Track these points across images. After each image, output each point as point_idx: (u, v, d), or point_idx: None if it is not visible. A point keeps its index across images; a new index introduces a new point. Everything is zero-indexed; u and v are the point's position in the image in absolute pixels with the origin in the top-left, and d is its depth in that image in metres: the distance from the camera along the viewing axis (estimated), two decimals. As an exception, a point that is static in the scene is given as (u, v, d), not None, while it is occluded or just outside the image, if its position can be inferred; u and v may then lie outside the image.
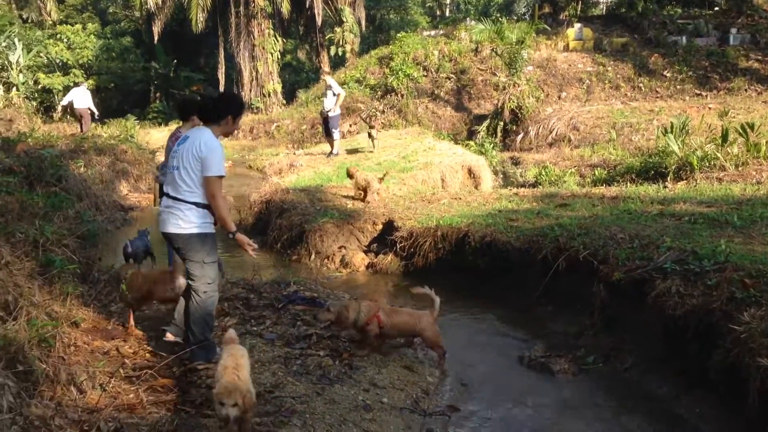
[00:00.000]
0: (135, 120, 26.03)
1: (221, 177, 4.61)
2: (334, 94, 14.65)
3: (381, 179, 10.56)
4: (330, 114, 14.72)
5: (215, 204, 4.59)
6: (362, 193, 10.46)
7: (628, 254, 6.17)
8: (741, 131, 11.60)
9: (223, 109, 4.70)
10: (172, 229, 4.65)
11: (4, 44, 26.19)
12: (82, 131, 18.36)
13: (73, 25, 33.19)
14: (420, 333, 5.61)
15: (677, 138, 12.21)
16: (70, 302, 5.26)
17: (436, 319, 5.71)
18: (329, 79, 15.37)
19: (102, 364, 4.42)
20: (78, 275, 6.21)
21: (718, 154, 11.41)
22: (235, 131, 4.84)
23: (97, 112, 19.92)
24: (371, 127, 15.53)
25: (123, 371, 4.44)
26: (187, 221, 4.60)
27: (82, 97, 19.16)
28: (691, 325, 5.03)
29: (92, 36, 32.94)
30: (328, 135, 15.23)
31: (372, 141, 14.83)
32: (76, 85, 21.16)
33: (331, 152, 15.24)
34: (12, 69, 26.56)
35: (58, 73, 30.14)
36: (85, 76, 30.96)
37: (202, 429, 3.79)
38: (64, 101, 19.96)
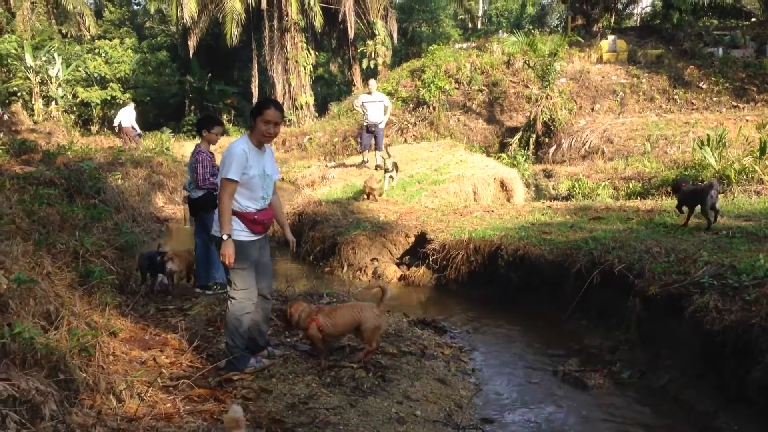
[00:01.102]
0: (170, 133, 26.46)
1: (230, 180, 4.61)
2: (385, 106, 14.51)
3: (379, 181, 12.20)
4: (380, 126, 14.51)
5: (219, 206, 4.67)
6: (366, 196, 11.85)
7: (665, 268, 6.10)
8: (780, 144, 11.41)
9: (252, 114, 4.79)
10: (212, 231, 4.92)
11: (44, 59, 26.87)
12: (130, 147, 19.54)
13: (111, 40, 33.86)
14: (360, 324, 5.32)
15: (714, 150, 12.05)
16: (109, 312, 5.37)
17: (382, 312, 5.52)
18: (378, 92, 15.01)
19: (140, 373, 4.49)
20: (116, 286, 6.34)
21: (756, 167, 11.22)
22: (267, 133, 4.73)
23: (138, 129, 21.39)
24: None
25: (160, 381, 4.51)
26: (216, 225, 4.78)
27: (127, 116, 20.93)
28: (729, 341, 4.95)
29: (129, 50, 33.55)
30: (374, 147, 14.78)
31: (388, 179, 12.58)
32: (124, 104, 22.39)
33: (378, 164, 14.63)
34: (51, 83, 27.23)
35: (96, 87, 30.72)
36: (122, 89, 31.51)
37: (238, 439, 3.82)
38: (115, 121, 21.55)
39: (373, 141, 14.73)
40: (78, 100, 29.69)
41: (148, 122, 31.41)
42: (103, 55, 31.88)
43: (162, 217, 13.73)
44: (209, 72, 34.26)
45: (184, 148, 24.08)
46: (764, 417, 4.57)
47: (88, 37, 34.76)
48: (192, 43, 30.43)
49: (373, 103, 14.42)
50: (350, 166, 16.61)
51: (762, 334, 4.66)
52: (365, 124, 14.64)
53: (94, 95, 30.27)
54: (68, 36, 35.21)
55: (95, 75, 30.79)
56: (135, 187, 13.77)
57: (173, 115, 34.53)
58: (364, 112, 14.51)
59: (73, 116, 28.82)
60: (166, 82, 34.23)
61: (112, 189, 11.67)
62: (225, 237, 4.62)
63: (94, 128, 29.89)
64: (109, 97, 30.49)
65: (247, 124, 7.21)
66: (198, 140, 7.59)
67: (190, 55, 31.51)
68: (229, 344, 4.91)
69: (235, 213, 4.70)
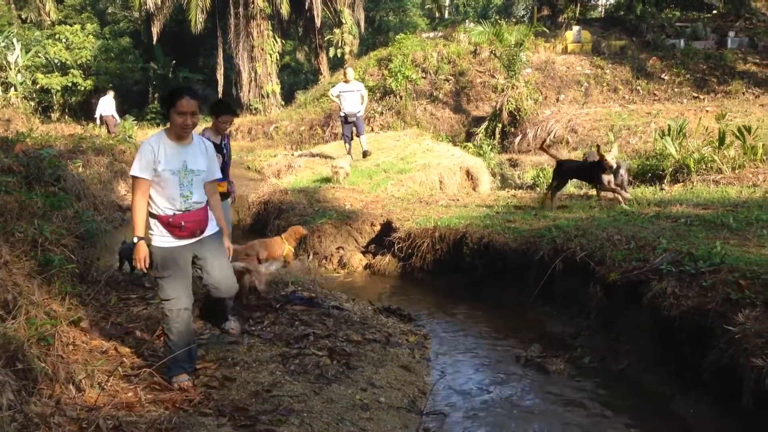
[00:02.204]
0: (133, 120, 26.05)
1: (135, 178, 4.24)
2: (362, 95, 14.08)
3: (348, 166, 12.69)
4: (359, 115, 14.06)
5: (131, 206, 4.33)
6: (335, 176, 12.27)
7: (625, 256, 6.21)
8: (738, 134, 11.63)
9: (164, 105, 4.35)
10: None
11: (2, 44, 26.29)
12: (113, 135, 19.83)
13: (71, 26, 33.18)
14: None
15: (674, 141, 12.24)
16: (69, 301, 5.28)
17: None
18: (356, 81, 14.57)
19: (101, 362, 4.44)
20: (76, 275, 6.23)
21: (715, 157, 11.44)
22: (183, 125, 4.26)
23: (118, 119, 21.99)
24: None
25: (121, 370, 4.46)
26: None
27: (106, 105, 21.40)
28: (687, 326, 5.06)
29: (91, 36, 32.91)
30: (353, 137, 14.42)
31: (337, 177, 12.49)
32: (105, 94, 22.62)
33: (365, 150, 14.47)
34: (10, 69, 26.63)
35: (56, 73, 30.12)
36: (83, 76, 30.95)
37: (200, 427, 3.81)
38: (97, 112, 22.01)
39: (354, 130, 14.26)
40: (38, 86, 29.12)
41: (110, 110, 30.88)
42: (64, 40, 31.27)
43: (124, 206, 13.52)
44: (173, 59, 33.83)
45: (148, 135, 23.71)
46: (719, 400, 4.69)
47: (48, 23, 34.06)
48: (155, 30, 29.99)
49: (351, 93, 13.95)
50: (317, 155, 16.53)
51: (717, 319, 4.78)
52: (342, 114, 14.14)
53: (55, 82, 29.70)
54: (28, 21, 34.46)
55: (56, 61, 30.19)
56: (97, 175, 13.52)
57: (136, 103, 34.06)
58: (340, 101, 13.99)
59: (32, 103, 28.21)
60: (128, 69, 33.69)
61: (72, 177, 11.43)
62: (135, 239, 4.28)
63: (54, 115, 29.33)
64: (70, 84, 29.94)
65: (212, 113, 6.94)
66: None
67: (154, 42, 31.06)
68: (168, 345, 4.53)
69: (153, 215, 4.32)
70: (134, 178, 4.25)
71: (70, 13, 36.79)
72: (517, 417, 4.98)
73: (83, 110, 32.23)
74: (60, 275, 5.56)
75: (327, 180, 12.56)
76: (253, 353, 5.17)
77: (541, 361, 5.83)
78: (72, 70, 30.63)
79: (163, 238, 4.34)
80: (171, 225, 4.30)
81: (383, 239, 9.33)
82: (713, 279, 5.18)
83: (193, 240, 4.44)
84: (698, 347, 4.91)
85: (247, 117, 28.15)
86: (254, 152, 22.03)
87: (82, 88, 31.43)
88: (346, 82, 14.11)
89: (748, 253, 5.74)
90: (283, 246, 7.74)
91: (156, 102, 33.74)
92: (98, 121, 21.84)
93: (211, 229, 4.56)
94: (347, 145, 14.69)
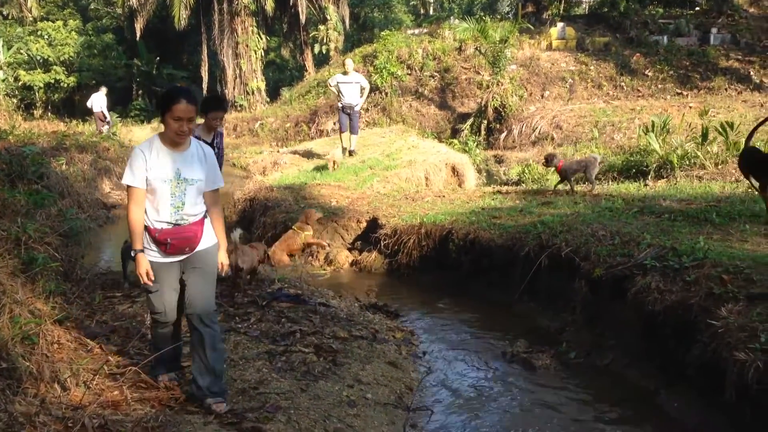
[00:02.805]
0: (117, 117, 25.90)
1: (129, 187, 3.94)
2: (362, 87, 13.73)
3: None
4: (356, 108, 13.72)
5: (128, 217, 4.00)
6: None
7: (609, 251, 6.26)
8: (721, 130, 11.74)
9: (160, 109, 4.02)
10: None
11: (-17, 41, 25.99)
12: (99, 132, 20.12)
13: (54, 22, 32.91)
14: None
15: (658, 137, 12.33)
16: (53, 300, 5.23)
17: None
18: (355, 73, 14.18)
19: (86, 361, 4.41)
20: (61, 273, 6.19)
21: (698, 153, 11.55)
22: (179, 132, 3.94)
23: (107, 116, 21.87)
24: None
25: (107, 368, 4.43)
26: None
27: (96, 102, 21.35)
28: (670, 321, 5.11)
29: (73, 33, 32.65)
30: (350, 130, 14.10)
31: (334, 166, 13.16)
32: (97, 90, 22.64)
33: (351, 150, 14.28)
34: (-8, 66, 26.38)
35: (39, 70, 29.87)
36: (66, 73, 30.69)
37: (186, 425, 3.80)
38: (90, 104, 21.98)
39: (348, 122, 13.92)
40: (20, 83, 28.84)
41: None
42: (46, 37, 31.02)
43: (108, 204, 13.44)
44: (157, 55, 33.62)
45: (132, 132, 23.63)
46: (703, 395, 4.73)
47: (30, 19, 33.75)
48: (139, 26, 29.75)
49: (349, 84, 13.58)
50: (303, 152, 16.50)
51: (701, 313, 4.82)
52: (340, 105, 13.78)
53: (37, 78, 29.47)
54: (9, 17, 34.11)
55: (38, 58, 29.91)
56: (80, 172, 13.44)
57: (120, 100, 33.79)
58: (339, 92, 13.68)
59: (15, 100, 27.99)
60: (112, 66, 33.46)
61: (56, 174, 11.37)
62: (132, 253, 4.00)
63: (37, 112, 29.09)
64: (52, 81, 29.68)
65: (201, 110, 6.63)
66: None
67: (138, 38, 30.82)
68: (153, 344, 4.49)
69: (145, 226, 4.00)
70: (128, 187, 3.94)
71: (52, 9, 36.46)
72: (504, 412, 5.01)
73: (66, 107, 31.99)
74: (44, 274, 5.52)
75: (324, 167, 13.31)
76: (239, 350, 5.16)
77: (527, 356, 5.86)
78: (55, 67, 30.38)
79: (151, 253, 4.02)
80: (156, 241, 3.99)
81: (369, 236, 9.33)
82: (697, 274, 5.23)
83: (182, 257, 4.09)
84: (682, 342, 4.96)
85: (232, 114, 28.01)
86: (239, 149, 21.95)
87: (65, 85, 31.19)
88: (345, 73, 13.74)
89: (731, 248, 5.81)
90: (297, 236, 8.34)
91: (140, 99, 33.55)
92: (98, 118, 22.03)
93: (205, 243, 4.13)
94: (343, 135, 14.39)
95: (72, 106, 32.07)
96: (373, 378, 5.04)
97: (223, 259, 4.29)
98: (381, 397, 4.77)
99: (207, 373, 4.08)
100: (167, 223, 3.98)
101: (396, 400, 4.84)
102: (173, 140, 3.98)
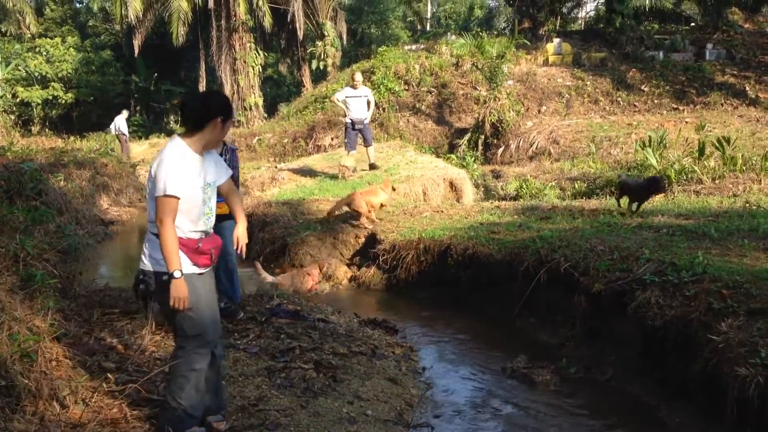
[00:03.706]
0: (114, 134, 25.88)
1: (170, 197, 3.53)
2: (368, 101, 13.32)
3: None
4: (366, 122, 13.40)
5: (163, 234, 3.54)
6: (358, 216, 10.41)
7: (608, 266, 6.25)
8: (717, 145, 11.80)
9: (209, 113, 3.77)
10: (141, 265, 3.76)
11: (-19, 57, 26.08)
12: (127, 155, 21.36)
13: (52, 39, 33.02)
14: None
15: (655, 151, 12.39)
16: (52, 317, 5.21)
17: None
18: (364, 87, 13.79)
19: (84, 378, 4.39)
20: (59, 290, 6.17)
21: (695, 168, 11.59)
22: (223, 136, 3.88)
23: (127, 136, 23.29)
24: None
25: (106, 386, 4.41)
26: (148, 257, 3.71)
27: (117, 124, 22.88)
28: (670, 336, 5.11)
29: (71, 49, 32.76)
30: (364, 143, 13.80)
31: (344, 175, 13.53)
32: (119, 112, 24.11)
33: (371, 162, 14.04)
34: (-10, 82, 26.44)
35: (37, 86, 29.93)
36: (64, 89, 30.76)
37: (187, 443, 3.77)
38: (112, 130, 23.52)
39: (360, 139, 13.64)
40: (18, 99, 28.88)
41: (91, 123, 30.78)
42: (44, 53, 31.12)
43: (107, 220, 13.43)
44: (155, 72, 33.70)
45: (130, 149, 23.64)
46: (703, 410, 4.72)
47: (29, 36, 33.88)
48: (137, 43, 29.81)
49: (358, 98, 13.17)
50: (301, 168, 16.52)
51: (701, 328, 4.82)
52: (348, 120, 13.32)
53: (35, 95, 29.51)
54: (8, 34, 34.25)
55: (36, 74, 29.98)
56: (78, 188, 13.43)
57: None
58: (346, 107, 13.26)
59: (12, 116, 28.04)
60: (110, 82, 33.55)
61: (54, 191, 11.36)
62: (177, 275, 3.55)
63: (34, 129, 29.11)
64: (50, 97, 29.73)
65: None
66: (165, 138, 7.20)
67: (136, 55, 30.90)
68: (170, 404, 3.77)
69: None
70: (166, 198, 3.52)
71: (50, 26, 36.63)
72: (504, 428, 4.99)
73: (64, 123, 32.03)
74: (42, 290, 5.50)
75: (333, 177, 13.82)
76: (238, 367, 5.14)
77: (527, 372, 5.84)
78: (52, 84, 30.45)
79: (184, 265, 3.62)
80: (199, 251, 3.70)
81: (368, 251, 9.33)
82: (696, 289, 5.23)
83: (209, 269, 3.86)
84: (682, 357, 4.95)
85: (230, 130, 28.08)
86: (237, 165, 21.94)
87: (63, 102, 31.23)
88: (354, 87, 13.28)
89: (730, 262, 5.82)
90: (379, 194, 9.65)
91: (137, 115, 33.60)
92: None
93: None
94: (349, 153, 13.85)
95: (70, 123, 32.12)
96: (372, 394, 5.02)
97: (241, 234, 4.04)
98: (381, 414, 4.75)
99: (208, 390, 3.95)
100: (203, 232, 3.77)
101: (396, 416, 4.82)
102: (208, 146, 3.82)
